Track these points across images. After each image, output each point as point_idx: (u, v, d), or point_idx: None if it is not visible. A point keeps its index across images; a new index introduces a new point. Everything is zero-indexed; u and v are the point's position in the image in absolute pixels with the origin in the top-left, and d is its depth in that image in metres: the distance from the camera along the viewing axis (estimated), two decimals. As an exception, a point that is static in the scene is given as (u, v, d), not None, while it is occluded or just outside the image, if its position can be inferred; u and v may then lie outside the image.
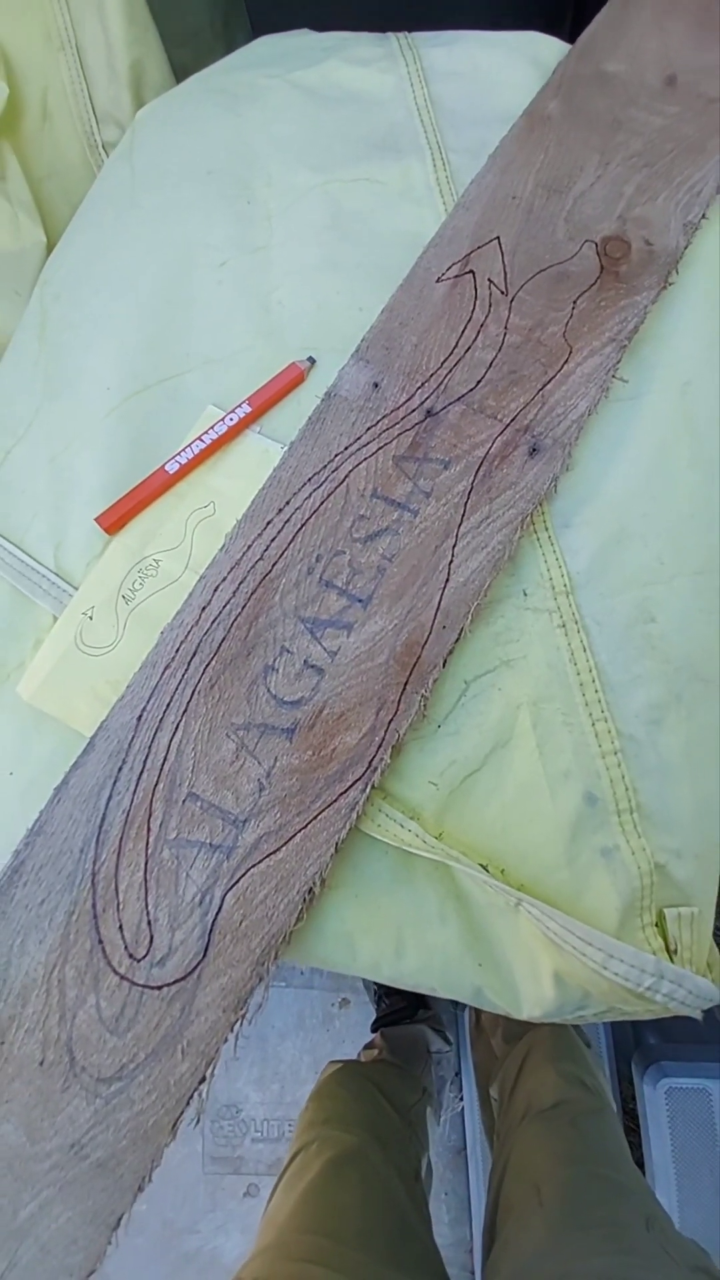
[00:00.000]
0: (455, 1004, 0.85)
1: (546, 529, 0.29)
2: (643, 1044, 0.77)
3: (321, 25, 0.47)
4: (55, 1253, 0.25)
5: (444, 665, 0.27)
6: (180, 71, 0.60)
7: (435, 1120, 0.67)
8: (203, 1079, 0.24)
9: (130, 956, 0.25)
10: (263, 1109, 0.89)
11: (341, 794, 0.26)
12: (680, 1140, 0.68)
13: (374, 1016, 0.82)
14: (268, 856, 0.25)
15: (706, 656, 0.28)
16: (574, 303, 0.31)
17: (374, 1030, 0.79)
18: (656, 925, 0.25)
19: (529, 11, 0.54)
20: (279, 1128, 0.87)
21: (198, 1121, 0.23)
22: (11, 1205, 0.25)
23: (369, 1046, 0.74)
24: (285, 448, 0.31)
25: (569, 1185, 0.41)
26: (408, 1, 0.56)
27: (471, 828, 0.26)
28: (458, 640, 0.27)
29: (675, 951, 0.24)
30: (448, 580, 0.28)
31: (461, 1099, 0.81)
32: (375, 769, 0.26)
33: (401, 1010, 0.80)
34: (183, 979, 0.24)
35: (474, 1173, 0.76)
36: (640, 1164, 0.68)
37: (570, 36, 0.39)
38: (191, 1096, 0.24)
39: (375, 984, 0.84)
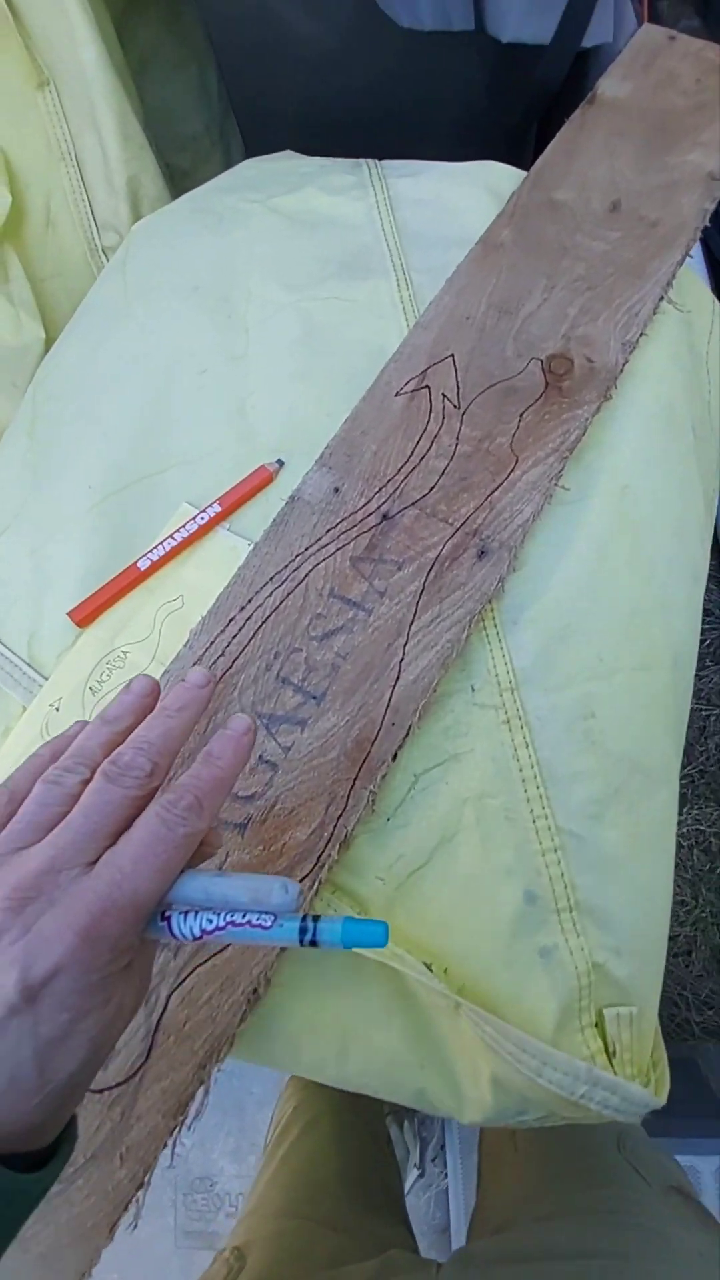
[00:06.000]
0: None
1: (495, 626, 0.31)
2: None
3: (302, 139, 0.52)
4: None
5: (393, 759, 0.28)
6: (180, 175, 0.66)
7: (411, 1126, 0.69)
8: (140, 1185, 0.24)
9: (77, 1055, 0.25)
10: (238, 1183, 0.84)
11: (291, 889, 0.26)
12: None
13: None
14: (213, 956, 0.26)
15: (646, 750, 0.29)
16: (520, 416, 0.34)
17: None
18: (596, 1026, 0.25)
19: (494, 137, 0.59)
20: (256, 1204, 0.83)
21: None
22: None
23: None
24: (251, 546, 0.33)
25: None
26: (383, 127, 0.61)
27: (417, 924, 0.26)
28: (406, 736, 0.28)
29: (615, 1053, 0.25)
30: (398, 678, 0.29)
31: (445, 1175, 0.78)
32: (323, 865, 0.26)
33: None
34: (124, 1082, 0.24)
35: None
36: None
37: (534, 158, 0.44)
38: (130, 1202, 0.24)
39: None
